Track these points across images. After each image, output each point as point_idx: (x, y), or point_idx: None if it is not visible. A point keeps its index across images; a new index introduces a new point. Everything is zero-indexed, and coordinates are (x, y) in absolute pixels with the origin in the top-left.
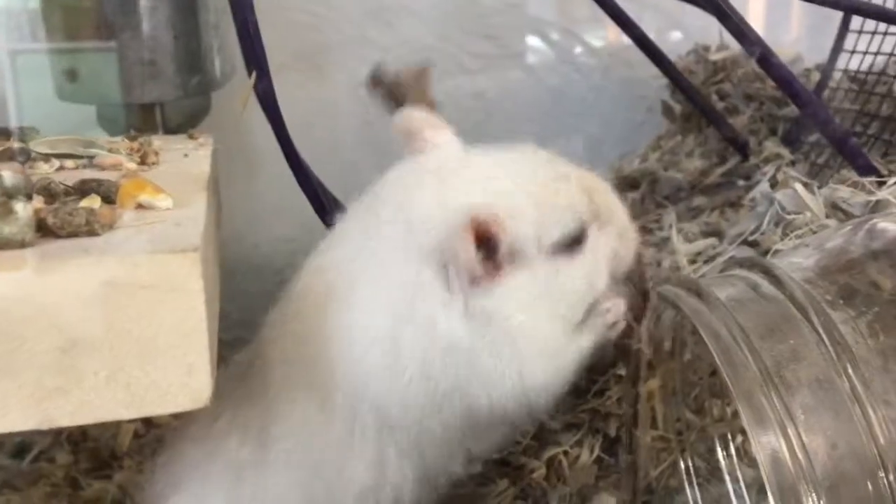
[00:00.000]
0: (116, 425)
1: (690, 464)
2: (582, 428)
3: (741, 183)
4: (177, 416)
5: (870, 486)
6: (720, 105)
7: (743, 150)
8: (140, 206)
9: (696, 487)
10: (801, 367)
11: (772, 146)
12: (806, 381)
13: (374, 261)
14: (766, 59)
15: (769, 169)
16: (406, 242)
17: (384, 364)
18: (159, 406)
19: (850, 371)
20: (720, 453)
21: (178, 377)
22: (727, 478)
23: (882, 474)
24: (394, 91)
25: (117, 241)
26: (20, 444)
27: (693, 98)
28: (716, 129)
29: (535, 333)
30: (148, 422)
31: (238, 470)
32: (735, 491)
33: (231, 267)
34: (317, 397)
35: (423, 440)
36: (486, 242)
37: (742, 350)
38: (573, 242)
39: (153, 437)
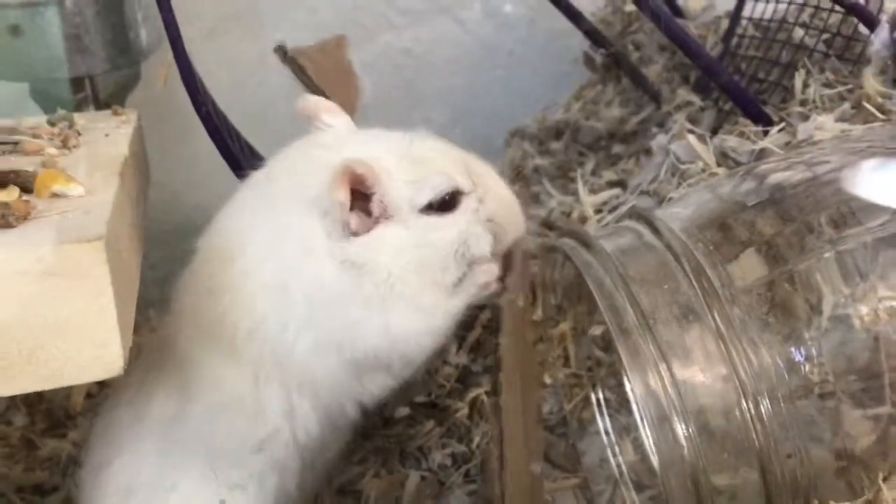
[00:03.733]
0: (69, 386)
1: (601, 396)
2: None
3: (655, 130)
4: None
5: (738, 414)
6: (635, 55)
7: (656, 98)
8: (55, 195)
9: (607, 418)
10: (673, 309)
11: (683, 94)
12: (677, 322)
13: (266, 216)
14: (656, 16)
15: (679, 116)
16: (294, 198)
17: (274, 313)
18: (77, 377)
19: (714, 312)
20: (628, 385)
21: (92, 352)
22: (635, 407)
23: (744, 404)
24: (301, 67)
25: (29, 232)
26: None
27: (607, 49)
28: (630, 79)
29: (405, 288)
30: (100, 382)
31: (165, 424)
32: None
33: (173, 229)
34: (221, 348)
35: (315, 383)
36: (361, 197)
37: (621, 296)
38: (445, 205)
39: (105, 396)
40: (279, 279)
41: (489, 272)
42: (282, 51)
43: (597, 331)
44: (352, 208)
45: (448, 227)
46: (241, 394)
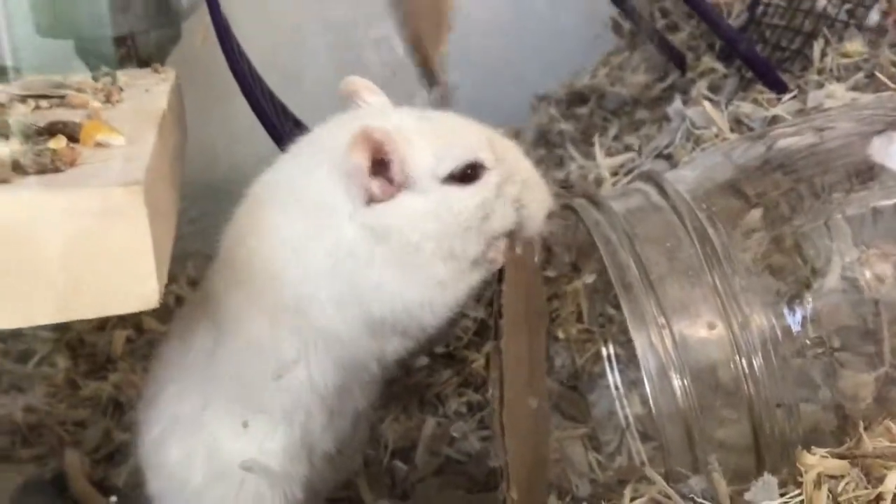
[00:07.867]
0: (111, 332)
1: (612, 352)
2: None
3: (678, 97)
4: (163, 323)
5: (732, 368)
6: (662, 22)
7: (681, 65)
8: (98, 145)
9: (617, 372)
10: (675, 267)
11: (708, 61)
12: (678, 280)
13: (296, 173)
14: None
15: (702, 83)
16: (323, 160)
17: (295, 263)
18: (117, 308)
19: (714, 272)
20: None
21: (130, 285)
22: (643, 362)
23: (737, 358)
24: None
25: (75, 177)
26: (24, 351)
27: (633, 16)
28: (655, 46)
29: (423, 258)
30: (139, 328)
31: (203, 359)
32: None
33: (211, 186)
34: (245, 291)
35: (334, 335)
36: (383, 164)
37: (626, 252)
38: (467, 178)
39: (143, 341)
40: (301, 234)
41: (498, 248)
42: None
43: (589, 279)
44: (376, 175)
45: (468, 198)
46: (259, 335)
